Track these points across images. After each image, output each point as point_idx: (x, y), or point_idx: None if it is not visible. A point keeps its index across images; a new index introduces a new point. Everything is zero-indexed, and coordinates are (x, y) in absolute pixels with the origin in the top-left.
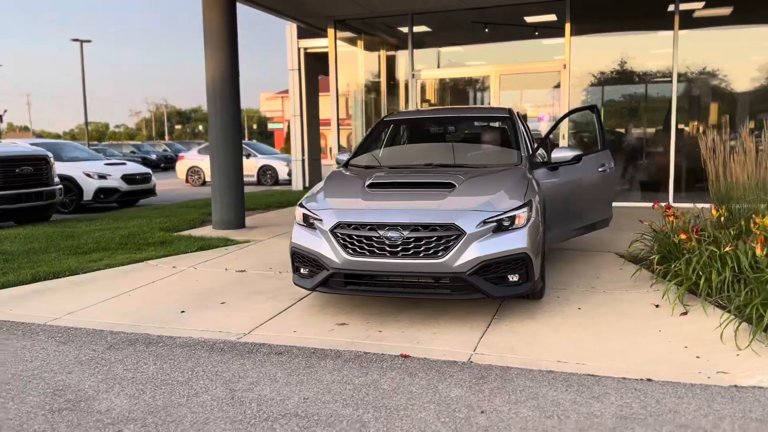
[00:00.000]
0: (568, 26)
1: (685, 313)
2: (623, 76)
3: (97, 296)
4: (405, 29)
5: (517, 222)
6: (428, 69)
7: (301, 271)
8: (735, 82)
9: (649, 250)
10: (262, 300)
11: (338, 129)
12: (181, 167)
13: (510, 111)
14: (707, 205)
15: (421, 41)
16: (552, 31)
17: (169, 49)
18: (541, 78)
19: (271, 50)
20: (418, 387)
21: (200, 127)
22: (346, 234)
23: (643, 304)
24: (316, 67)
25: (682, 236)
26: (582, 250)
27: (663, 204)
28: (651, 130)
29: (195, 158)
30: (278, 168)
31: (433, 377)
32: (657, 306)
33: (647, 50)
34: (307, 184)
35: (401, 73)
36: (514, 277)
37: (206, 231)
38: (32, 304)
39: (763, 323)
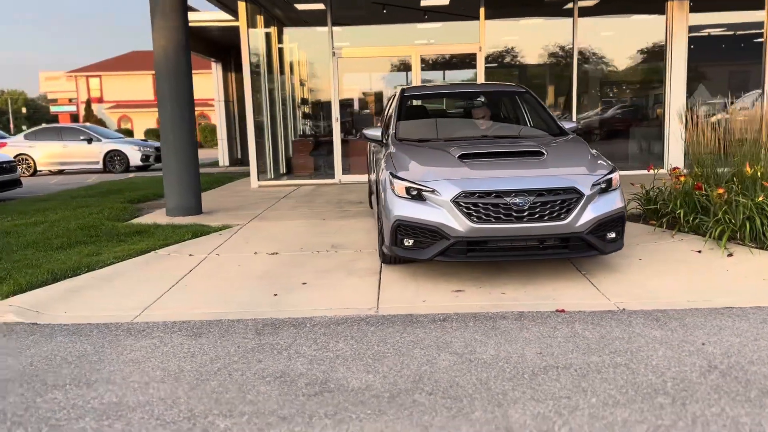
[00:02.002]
0: (482, 11)
1: (730, 255)
2: (530, 58)
3: (149, 289)
4: (318, 6)
5: (613, 184)
6: (351, 47)
7: (406, 243)
8: (622, 65)
9: (648, 209)
10: (341, 277)
11: (253, 111)
12: None
13: (525, 87)
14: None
15: (338, 20)
16: (468, 14)
17: None
18: (459, 59)
19: (55, 22)
20: (619, 333)
21: None
22: (470, 203)
23: (685, 251)
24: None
25: (720, 191)
26: None
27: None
28: (558, 103)
29: (21, 145)
30: (129, 153)
31: (618, 325)
32: (699, 252)
33: (551, 36)
34: None
35: (315, 52)
36: (611, 234)
37: (162, 218)
38: (85, 304)
39: None
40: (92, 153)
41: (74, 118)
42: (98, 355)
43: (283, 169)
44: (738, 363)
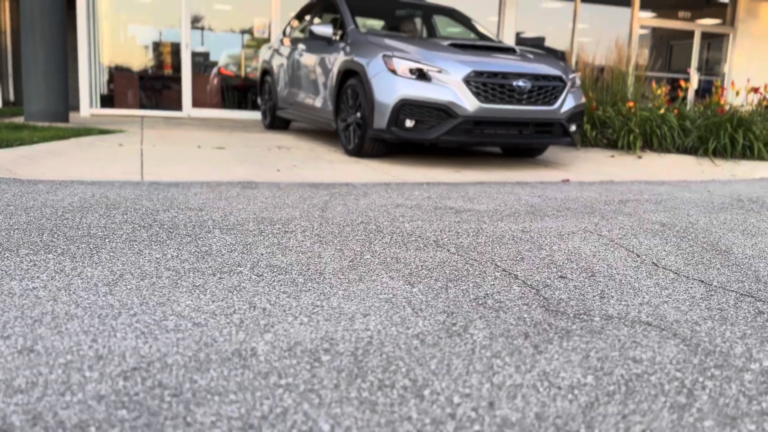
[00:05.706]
0: None
1: (640, 157)
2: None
3: (120, 163)
4: None
5: (577, 82)
6: None
7: (407, 124)
8: None
9: None
10: (324, 164)
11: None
12: None
13: (453, 7)
14: None
15: None
16: None
17: None
18: None
19: None
20: (637, 188)
21: None
22: (480, 82)
23: (601, 157)
24: None
25: (630, 104)
26: None
27: None
28: None
29: None
30: None
31: (628, 186)
32: (612, 156)
33: None
34: None
35: None
36: (573, 127)
37: (22, 122)
38: (59, 169)
39: (710, 149)
40: None
41: None
42: (178, 199)
43: (99, 102)
44: (748, 197)
